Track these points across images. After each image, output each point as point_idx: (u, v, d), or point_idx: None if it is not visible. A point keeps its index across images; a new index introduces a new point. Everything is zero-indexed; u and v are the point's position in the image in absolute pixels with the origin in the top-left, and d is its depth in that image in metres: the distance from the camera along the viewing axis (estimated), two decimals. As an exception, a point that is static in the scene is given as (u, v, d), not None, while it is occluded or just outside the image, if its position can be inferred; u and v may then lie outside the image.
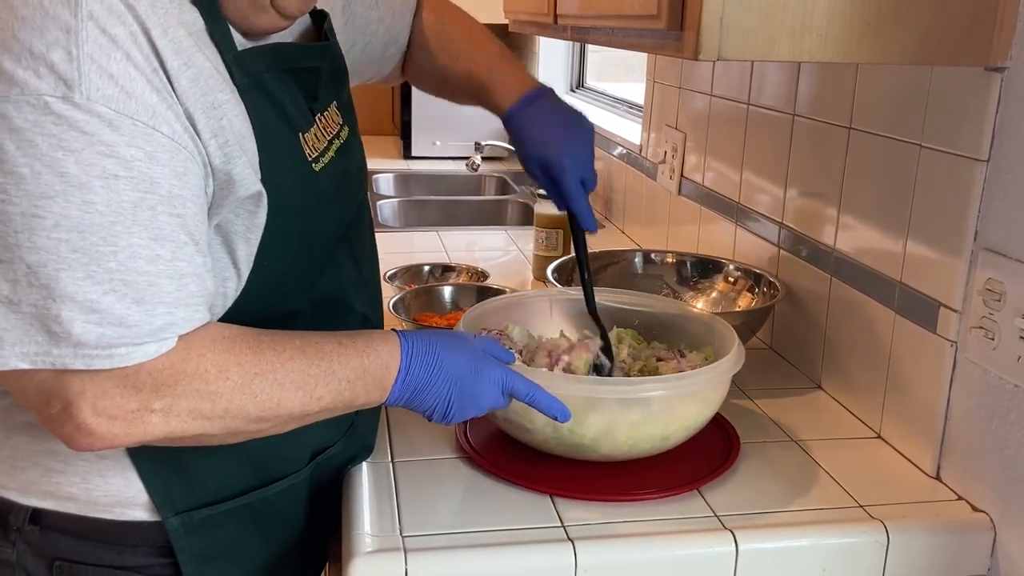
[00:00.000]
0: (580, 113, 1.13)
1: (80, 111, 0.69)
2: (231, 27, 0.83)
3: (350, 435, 1.05)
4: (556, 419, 0.96)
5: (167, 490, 0.90)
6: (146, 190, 0.72)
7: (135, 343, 0.74)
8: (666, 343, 1.22)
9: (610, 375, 1.12)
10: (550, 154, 1.09)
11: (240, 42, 0.84)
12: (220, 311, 0.86)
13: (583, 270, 1.15)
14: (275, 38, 0.90)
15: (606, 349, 1.13)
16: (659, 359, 1.16)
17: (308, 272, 0.94)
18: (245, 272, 0.85)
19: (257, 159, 0.82)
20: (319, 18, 1.01)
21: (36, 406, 0.76)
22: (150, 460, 0.88)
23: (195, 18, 0.79)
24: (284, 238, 0.86)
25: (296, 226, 0.88)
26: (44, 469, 0.88)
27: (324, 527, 1.06)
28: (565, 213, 1.85)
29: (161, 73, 0.74)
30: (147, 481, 0.89)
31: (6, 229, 0.69)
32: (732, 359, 1.05)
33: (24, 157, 0.68)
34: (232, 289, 0.85)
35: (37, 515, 0.90)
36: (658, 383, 1.01)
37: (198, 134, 0.77)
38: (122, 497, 0.89)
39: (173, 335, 0.76)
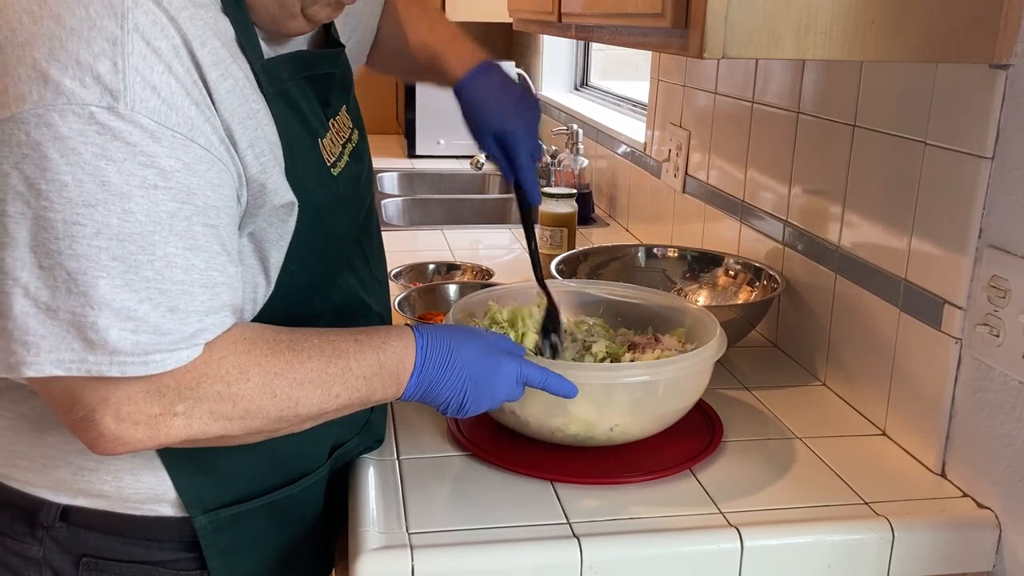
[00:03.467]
0: (526, 87, 1.16)
1: (124, 121, 0.70)
2: (258, 35, 0.84)
3: (366, 430, 1.06)
4: (567, 396, 0.98)
5: (196, 489, 0.91)
6: (183, 200, 0.73)
7: (169, 350, 0.75)
8: (634, 329, 1.23)
9: (556, 350, 1.14)
10: (505, 125, 1.12)
11: (264, 50, 0.86)
12: (250, 316, 0.87)
13: (530, 241, 1.17)
14: (293, 45, 0.91)
15: (554, 321, 1.15)
16: (633, 345, 1.17)
17: (328, 275, 0.95)
18: (274, 278, 0.87)
19: (284, 167, 0.84)
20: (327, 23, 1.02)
21: (61, 410, 0.77)
22: (180, 460, 0.89)
23: (227, 27, 0.80)
24: (307, 243, 0.88)
25: (318, 231, 0.89)
26: (77, 468, 0.89)
27: (338, 520, 1.08)
28: (569, 212, 1.87)
29: (201, 85, 0.75)
30: (177, 481, 0.90)
31: (48, 236, 0.70)
32: (717, 342, 1.08)
33: (67, 165, 0.69)
34: (262, 295, 0.87)
35: (66, 512, 0.91)
36: (654, 367, 1.04)
37: (236, 144, 0.78)
38: (153, 494, 0.90)
39: (203, 341, 0.77)
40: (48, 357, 0.72)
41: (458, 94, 1.16)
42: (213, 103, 0.76)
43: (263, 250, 0.85)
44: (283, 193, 0.83)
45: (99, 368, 0.72)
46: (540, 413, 1.02)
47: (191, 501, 0.91)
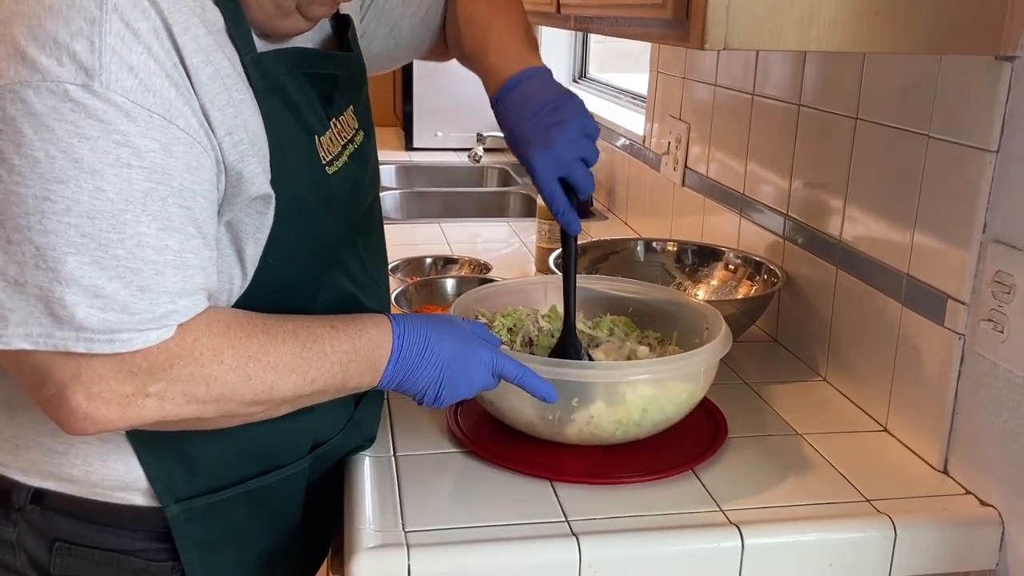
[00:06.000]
0: (566, 99, 0.99)
1: (98, 99, 0.70)
2: (251, 29, 0.84)
3: (351, 427, 1.05)
4: (545, 400, 0.97)
5: (168, 478, 0.91)
6: (158, 181, 0.73)
7: (137, 329, 0.74)
8: (660, 331, 1.21)
9: None
10: (531, 156, 0.98)
11: (259, 44, 0.85)
12: (225, 306, 0.86)
13: (567, 281, 1.04)
14: (296, 42, 0.91)
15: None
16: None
17: (312, 272, 0.94)
18: (251, 271, 0.86)
19: (268, 161, 0.83)
20: (342, 25, 1.02)
21: (32, 387, 0.77)
22: (151, 447, 0.89)
23: (216, 17, 0.80)
24: (292, 239, 0.87)
25: (305, 228, 0.89)
26: (46, 450, 0.89)
27: (325, 518, 1.07)
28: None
29: (181, 68, 0.75)
30: (148, 468, 0.90)
31: (18, 211, 0.70)
32: (721, 340, 1.06)
33: (40, 141, 0.69)
34: (237, 287, 0.86)
35: (39, 495, 0.91)
36: (643, 367, 1.03)
37: (213, 130, 0.78)
38: (123, 482, 0.90)
39: (174, 323, 0.77)
40: (16, 331, 0.72)
41: (495, 111, 1.04)
42: (192, 87, 0.76)
43: (239, 241, 0.84)
44: (260, 185, 0.82)
45: (65, 343, 0.72)
46: (515, 401, 1.02)
47: (162, 490, 0.90)
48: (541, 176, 0.98)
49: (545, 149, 0.97)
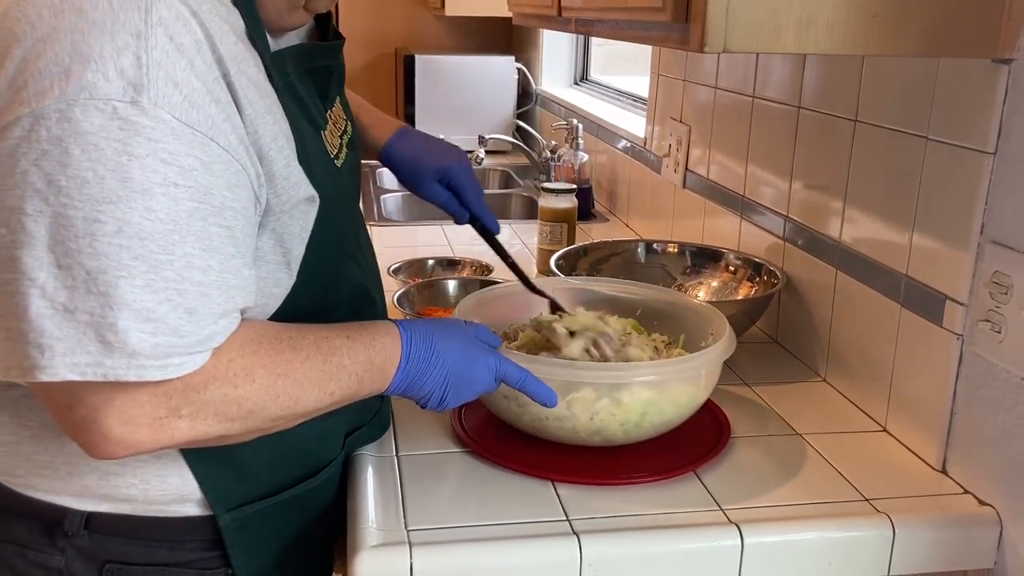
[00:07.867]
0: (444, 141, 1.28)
1: (147, 116, 0.68)
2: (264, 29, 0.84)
3: (377, 418, 1.08)
4: (545, 404, 0.98)
5: (221, 488, 0.90)
6: (200, 200, 0.72)
7: (187, 353, 0.73)
8: (667, 334, 1.22)
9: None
10: (447, 164, 1.22)
11: (270, 43, 0.85)
12: (272, 310, 0.87)
13: (504, 258, 1.25)
14: (291, 38, 0.91)
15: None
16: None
17: (339, 265, 0.96)
18: (296, 271, 0.86)
19: (298, 160, 0.84)
20: (323, 15, 1.02)
21: (57, 410, 0.75)
22: (204, 458, 0.88)
23: (238, 20, 0.79)
24: (321, 235, 0.88)
25: (330, 222, 0.89)
26: (102, 473, 0.87)
27: (343, 515, 1.07)
28: (568, 207, 1.86)
29: (222, 82, 0.74)
30: (201, 479, 0.89)
31: (67, 234, 0.68)
32: (724, 344, 1.07)
33: (89, 161, 0.67)
34: (284, 288, 0.86)
35: (89, 519, 0.89)
36: (643, 369, 1.03)
37: (260, 140, 0.77)
38: (179, 494, 0.89)
39: (214, 345, 0.76)
40: (63, 360, 0.69)
41: (386, 156, 1.26)
42: (235, 100, 0.75)
43: (285, 243, 0.84)
44: (305, 186, 0.83)
45: (116, 372, 0.70)
46: (517, 404, 1.02)
47: (215, 499, 0.90)
48: (467, 185, 1.23)
49: (465, 167, 1.24)
